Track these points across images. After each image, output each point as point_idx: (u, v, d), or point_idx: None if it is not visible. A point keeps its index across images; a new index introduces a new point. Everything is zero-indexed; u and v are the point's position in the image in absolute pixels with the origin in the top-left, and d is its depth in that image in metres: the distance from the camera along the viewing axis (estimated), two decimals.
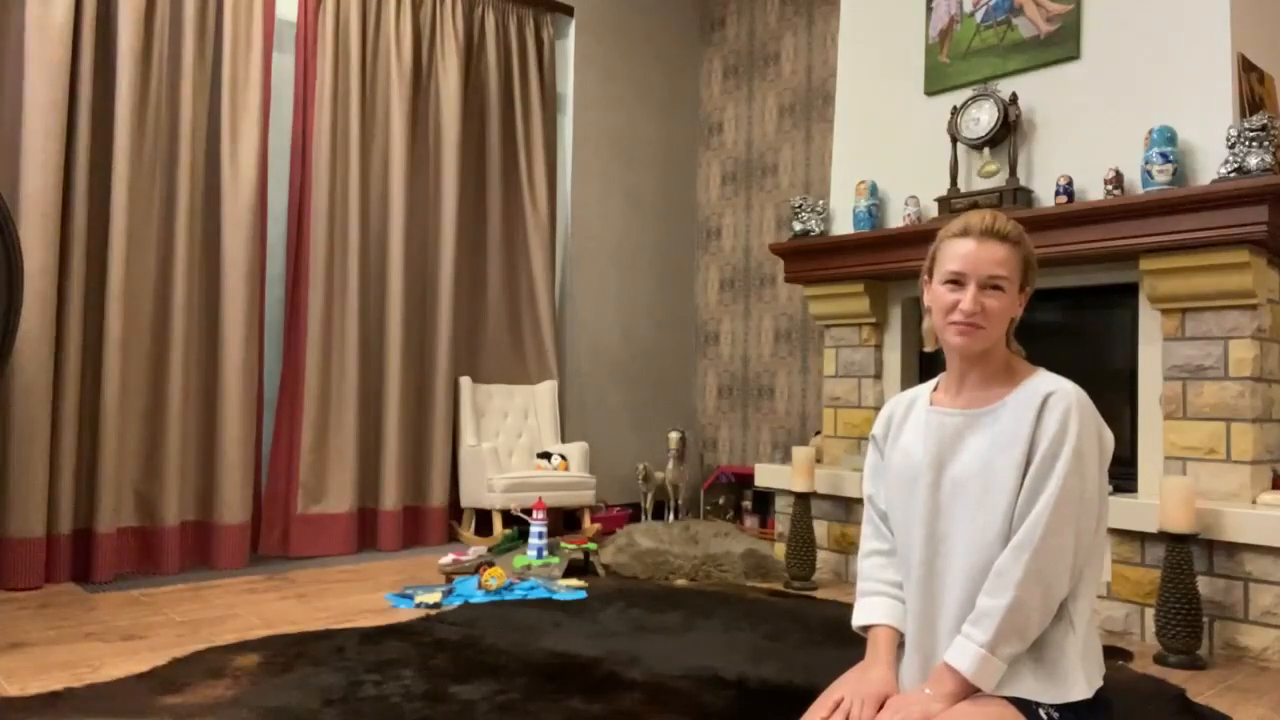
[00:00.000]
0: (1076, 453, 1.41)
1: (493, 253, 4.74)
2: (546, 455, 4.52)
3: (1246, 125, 2.81)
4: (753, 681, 2.31)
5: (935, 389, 1.63)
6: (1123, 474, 3.13)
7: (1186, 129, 3.01)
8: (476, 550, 3.63)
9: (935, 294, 1.53)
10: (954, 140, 3.56)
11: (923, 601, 1.51)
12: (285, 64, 4.19)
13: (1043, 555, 1.38)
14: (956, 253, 1.50)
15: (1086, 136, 3.29)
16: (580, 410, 5.09)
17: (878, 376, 3.95)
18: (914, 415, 1.62)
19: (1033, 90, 3.44)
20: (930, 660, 1.48)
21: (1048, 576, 1.39)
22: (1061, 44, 3.37)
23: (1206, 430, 2.93)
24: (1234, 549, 2.74)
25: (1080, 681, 1.40)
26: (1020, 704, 1.38)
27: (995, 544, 1.44)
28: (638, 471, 4.71)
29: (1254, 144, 2.79)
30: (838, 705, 1.46)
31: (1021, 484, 1.44)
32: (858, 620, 1.63)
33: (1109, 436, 1.49)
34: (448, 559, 3.48)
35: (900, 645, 1.57)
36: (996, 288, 1.48)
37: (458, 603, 3.12)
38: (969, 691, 1.39)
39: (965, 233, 1.51)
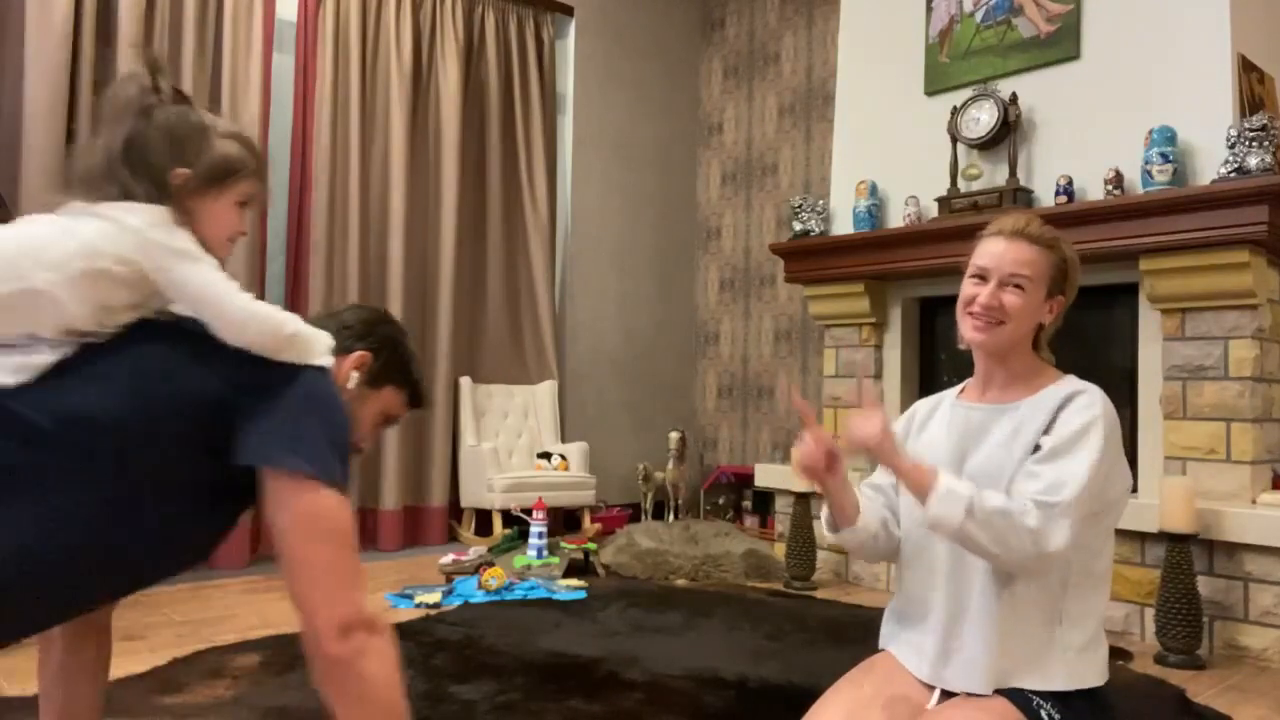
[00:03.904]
0: (1102, 444, 1.39)
1: (493, 252, 4.74)
2: (546, 455, 4.52)
3: (1246, 125, 2.81)
4: (753, 681, 2.31)
5: (962, 390, 1.64)
6: None
7: (1186, 129, 3.01)
8: (476, 550, 3.63)
9: (962, 288, 1.54)
10: (954, 140, 3.56)
11: (952, 591, 1.49)
12: (285, 64, 4.18)
13: (1052, 516, 1.34)
14: (985, 249, 1.53)
15: (1086, 136, 3.29)
16: (580, 410, 5.09)
17: (878, 376, 3.94)
18: (939, 413, 1.64)
19: (1033, 90, 3.44)
20: (957, 647, 1.46)
21: (1044, 539, 1.34)
22: (1061, 44, 3.37)
23: (1206, 430, 2.93)
24: (1234, 549, 2.74)
25: (1063, 675, 1.40)
26: (1021, 703, 1.38)
27: None
28: (638, 471, 4.71)
29: (1254, 144, 2.79)
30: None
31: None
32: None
33: (1126, 471, 1.47)
34: (448, 559, 3.48)
35: (919, 635, 1.54)
36: (1018, 286, 1.48)
37: (458, 603, 3.12)
38: (920, 480, 1.38)
39: (999, 232, 1.53)
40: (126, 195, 1.14)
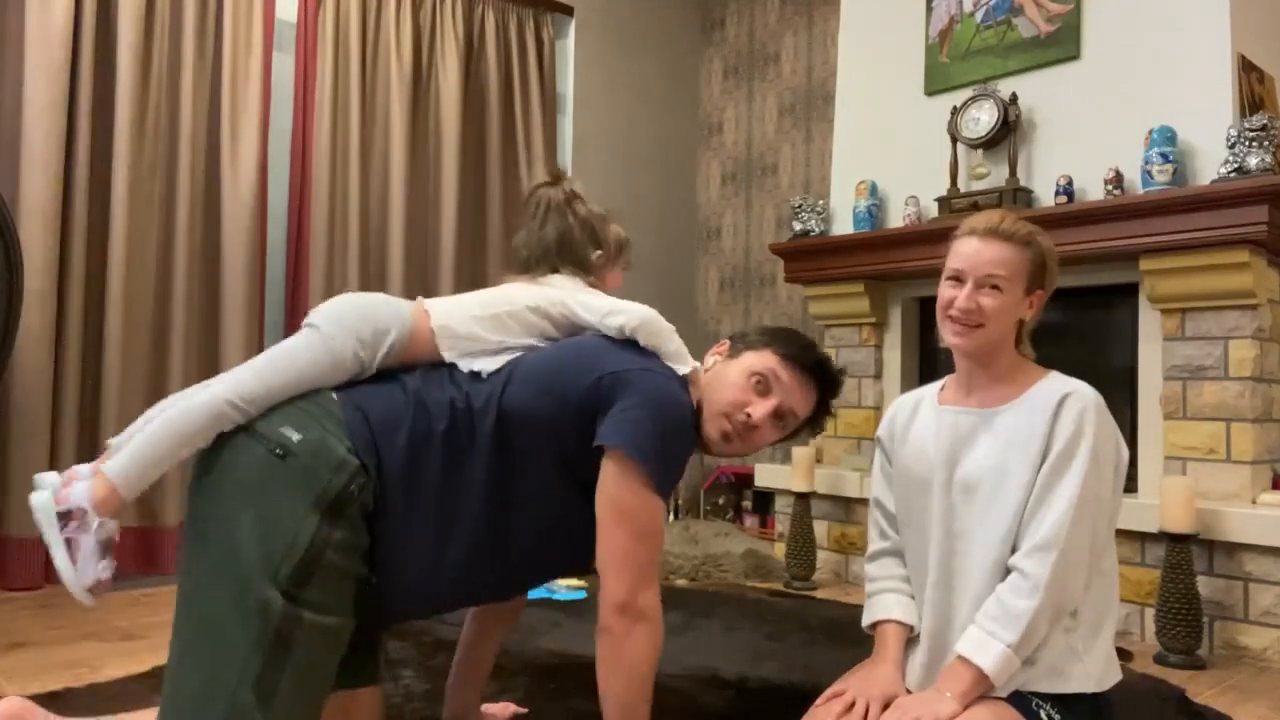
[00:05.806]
0: (1093, 454, 1.40)
1: (493, 253, 4.73)
2: None
3: (1246, 125, 2.81)
4: (753, 681, 2.31)
5: (942, 389, 1.63)
6: None
7: (1186, 129, 3.01)
8: None
9: (939, 291, 1.53)
10: (954, 140, 3.56)
11: (940, 599, 1.50)
12: (285, 64, 4.18)
13: (1066, 557, 1.37)
14: (960, 250, 1.51)
15: (1086, 136, 3.29)
16: None
17: (878, 376, 3.94)
18: (921, 415, 1.61)
19: (1033, 90, 3.44)
20: (944, 657, 1.46)
21: (1068, 579, 1.38)
22: (1061, 44, 3.37)
23: (1206, 430, 2.93)
24: (1234, 549, 2.74)
25: (1077, 676, 1.40)
26: (1020, 704, 1.38)
27: (1005, 541, 1.44)
28: None
29: (1254, 144, 2.79)
30: (842, 700, 1.46)
31: (1035, 482, 1.43)
32: (867, 618, 1.62)
33: (1125, 449, 1.49)
34: None
35: (908, 641, 1.56)
36: (995, 287, 1.48)
37: None
38: (985, 690, 1.37)
39: (971, 231, 1.52)
40: (554, 271, 1.71)
